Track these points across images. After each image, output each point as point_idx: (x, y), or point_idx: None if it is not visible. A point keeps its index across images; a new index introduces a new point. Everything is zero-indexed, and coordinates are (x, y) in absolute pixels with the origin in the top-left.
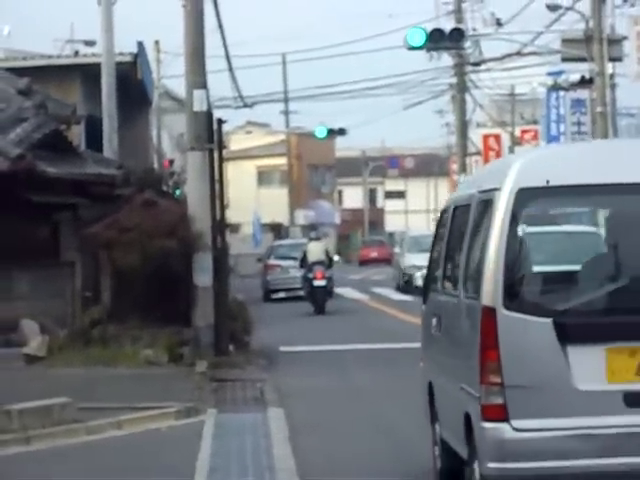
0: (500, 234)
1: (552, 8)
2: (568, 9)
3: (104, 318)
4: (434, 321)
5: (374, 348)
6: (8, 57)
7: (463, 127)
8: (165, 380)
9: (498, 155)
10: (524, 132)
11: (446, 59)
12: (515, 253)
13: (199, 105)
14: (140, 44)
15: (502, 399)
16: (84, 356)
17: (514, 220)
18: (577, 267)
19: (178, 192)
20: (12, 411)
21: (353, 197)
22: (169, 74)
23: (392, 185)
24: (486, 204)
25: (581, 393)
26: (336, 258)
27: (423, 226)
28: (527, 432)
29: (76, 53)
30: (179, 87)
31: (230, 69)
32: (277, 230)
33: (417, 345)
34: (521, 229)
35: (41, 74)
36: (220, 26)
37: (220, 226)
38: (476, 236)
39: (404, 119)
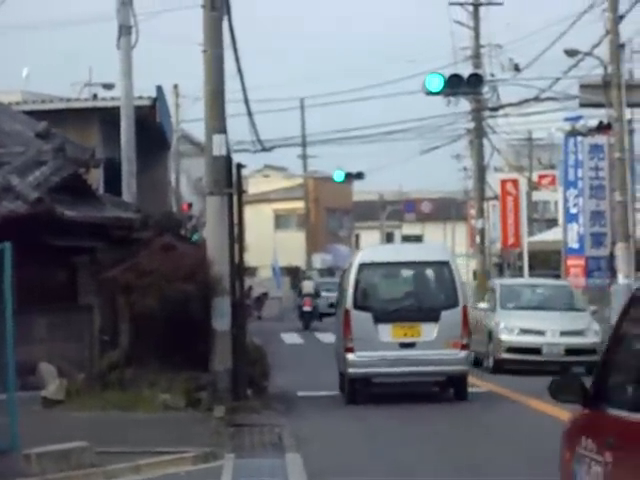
0: (354, 280)
1: (570, 54)
2: (586, 54)
3: (122, 362)
4: (337, 318)
5: (391, 393)
6: (27, 100)
7: (480, 172)
8: (183, 425)
9: (516, 200)
10: (541, 177)
11: (464, 104)
12: (358, 284)
13: (218, 150)
14: (159, 88)
15: (352, 344)
16: (102, 400)
17: (359, 274)
18: (388, 292)
19: (196, 236)
20: (31, 455)
21: (370, 241)
22: (188, 118)
23: (409, 229)
24: (351, 266)
25: (382, 342)
26: None
27: None
28: (360, 357)
29: (95, 96)
30: (198, 131)
31: (249, 113)
32: (294, 274)
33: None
34: (362, 277)
35: (60, 117)
36: (239, 71)
37: (239, 270)
38: (345, 279)
39: (421, 163)
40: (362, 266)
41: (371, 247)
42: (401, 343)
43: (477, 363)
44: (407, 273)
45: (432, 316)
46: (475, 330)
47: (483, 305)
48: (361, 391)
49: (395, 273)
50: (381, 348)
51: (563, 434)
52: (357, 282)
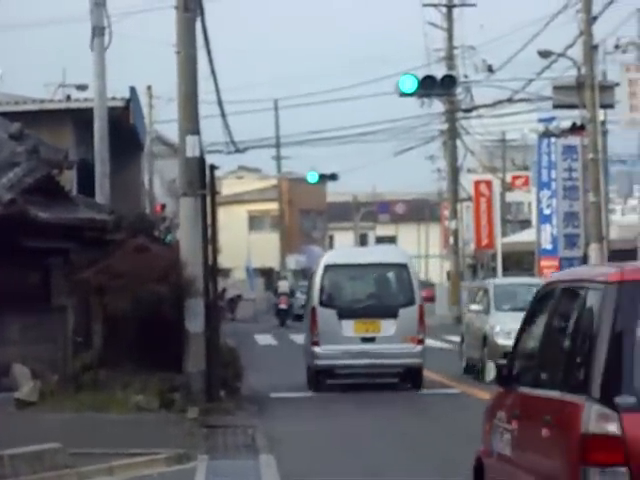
0: (320, 280)
1: (544, 55)
2: (560, 56)
3: (95, 363)
4: (305, 315)
5: (362, 395)
6: (0, 101)
7: (454, 173)
8: (156, 426)
9: (489, 201)
10: (515, 178)
11: (437, 105)
12: (324, 284)
13: (191, 151)
14: (132, 89)
15: (318, 338)
16: (75, 401)
17: (324, 274)
18: (351, 292)
19: (169, 237)
20: (4, 456)
21: (344, 242)
22: (161, 119)
23: (383, 230)
24: (317, 268)
25: (345, 337)
26: None
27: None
28: (325, 350)
29: (68, 97)
30: (171, 132)
31: (222, 115)
32: (268, 275)
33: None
34: (327, 278)
35: (33, 118)
36: (213, 72)
37: (212, 272)
38: (312, 280)
39: (395, 164)
40: (327, 267)
41: (335, 250)
42: (363, 338)
43: (469, 370)
44: (368, 274)
45: (391, 313)
46: (468, 334)
47: (475, 307)
48: (325, 382)
49: (357, 274)
50: (344, 342)
51: (485, 410)
52: (323, 282)
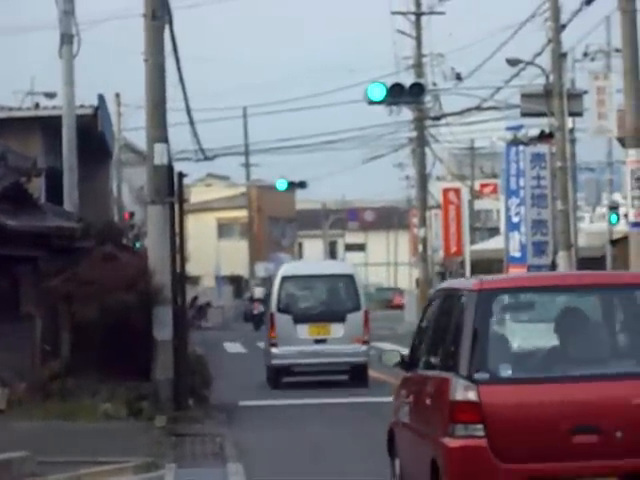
0: (277, 290)
1: (512, 63)
2: (528, 64)
3: (63, 371)
4: (265, 320)
5: (332, 402)
6: None
7: (423, 180)
8: (124, 434)
9: (458, 209)
10: (483, 186)
11: (406, 113)
12: (281, 293)
13: (160, 159)
14: (101, 97)
15: (276, 340)
16: (43, 410)
17: (281, 285)
18: (304, 299)
19: (138, 245)
20: None
21: (313, 249)
22: (130, 126)
23: (352, 238)
24: (275, 279)
25: (300, 339)
26: None
27: (383, 279)
28: (282, 350)
29: (37, 105)
30: (140, 139)
31: (191, 123)
32: (237, 283)
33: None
34: (283, 288)
35: (1, 126)
36: (181, 80)
37: (181, 280)
38: (271, 289)
39: (364, 172)
40: (284, 278)
41: (291, 264)
42: (315, 339)
43: None
44: (320, 284)
45: (339, 318)
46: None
47: None
48: (281, 380)
49: (310, 284)
50: (299, 343)
51: (394, 391)
52: (280, 292)
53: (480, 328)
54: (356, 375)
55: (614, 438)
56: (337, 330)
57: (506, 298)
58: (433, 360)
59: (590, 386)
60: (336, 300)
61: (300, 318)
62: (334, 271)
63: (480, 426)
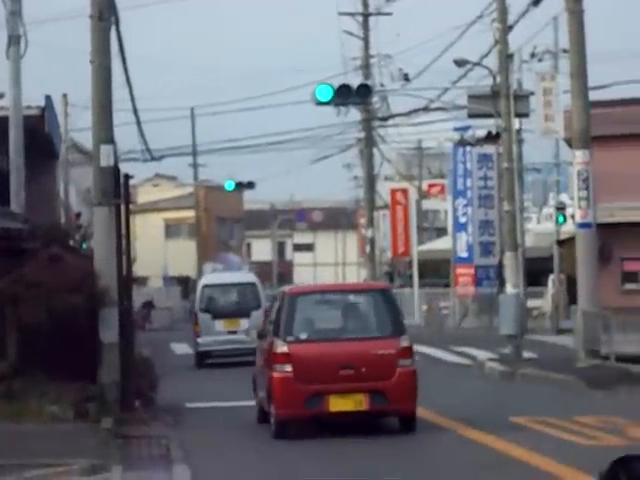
0: (200, 295)
1: (459, 64)
2: (475, 65)
3: (9, 373)
4: (191, 318)
5: None
6: None
7: (371, 181)
8: (71, 436)
9: (405, 209)
10: (431, 186)
11: (354, 114)
12: (202, 297)
13: (106, 160)
14: (48, 97)
15: (199, 332)
16: None
17: (202, 290)
18: (220, 301)
19: (85, 246)
20: None
21: (262, 250)
22: (77, 127)
23: (301, 238)
24: (198, 286)
25: (217, 331)
26: None
27: (332, 278)
28: (204, 340)
29: None
30: (87, 140)
31: (138, 123)
32: (185, 283)
33: None
34: (204, 293)
35: None
36: (128, 81)
37: (127, 282)
38: (195, 294)
39: (313, 172)
40: (204, 286)
41: (210, 274)
42: (228, 331)
43: None
44: (231, 289)
45: (246, 314)
46: None
47: None
48: (205, 361)
49: (224, 289)
50: (216, 334)
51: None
52: (202, 296)
53: (289, 312)
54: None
55: (361, 371)
56: (244, 324)
57: (303, 297)
58: (270, 331)
59: (347, 343)
60: (243, 301)
61: (217, 315)
62: (241, 280)
63: (289, 365)
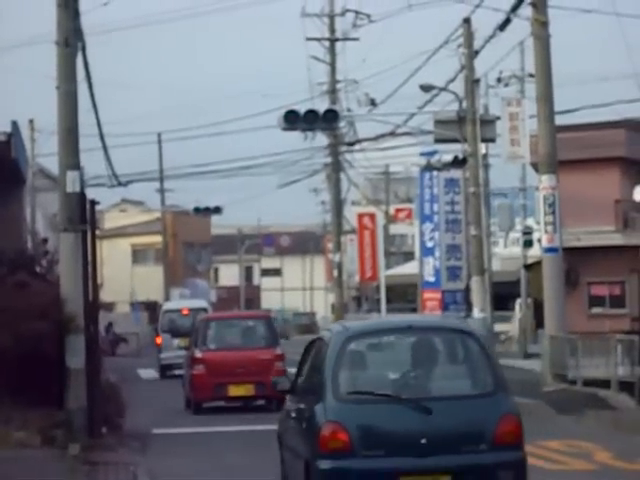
0: (161, 318)
1: (425, 89)
2: (442, 90)
3: None
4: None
5: (247, 430)
6: None
7: (338, 206)
8: (38, 462)
9: (373, 234)
10: (398, 211)
11: (321, 139)
12: (163, 320)
13: (72, 186)
14: (14, 123)
15: (161, 348)
16: None
17: (164, 315)
18: (178, 323)
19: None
20: None
21: (229, 275)
22: (44, 152)
23: (268, 263)
24: (161, 311)
25: (175, 347)
26: None
27: (299, 304)
28: (165, 355)
29: None
30: (54, 165)
31: (104, 148)
32: (152, 309)
33: None
34: (165, 317)
35: None
36: (94, 106)
37: (93, 308)
38: (158, 318)
39: (280, 197)
40: (165, 311)
41: (170, 302)
42: (184, 347)
43: None
44: (187, 314)
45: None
46: None
47: None
48: (167, 374)
49: (181, 314)
50: (175, 349)
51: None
52: (163, 319)
53: (204, 331)
54: None
55: (250, 370)
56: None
57: (214, 321)
58: (191, 344)
59: (241, 352)
60: (194, 322)
61: (175, 334)
62: (195, 305)
63: (202, 365)
